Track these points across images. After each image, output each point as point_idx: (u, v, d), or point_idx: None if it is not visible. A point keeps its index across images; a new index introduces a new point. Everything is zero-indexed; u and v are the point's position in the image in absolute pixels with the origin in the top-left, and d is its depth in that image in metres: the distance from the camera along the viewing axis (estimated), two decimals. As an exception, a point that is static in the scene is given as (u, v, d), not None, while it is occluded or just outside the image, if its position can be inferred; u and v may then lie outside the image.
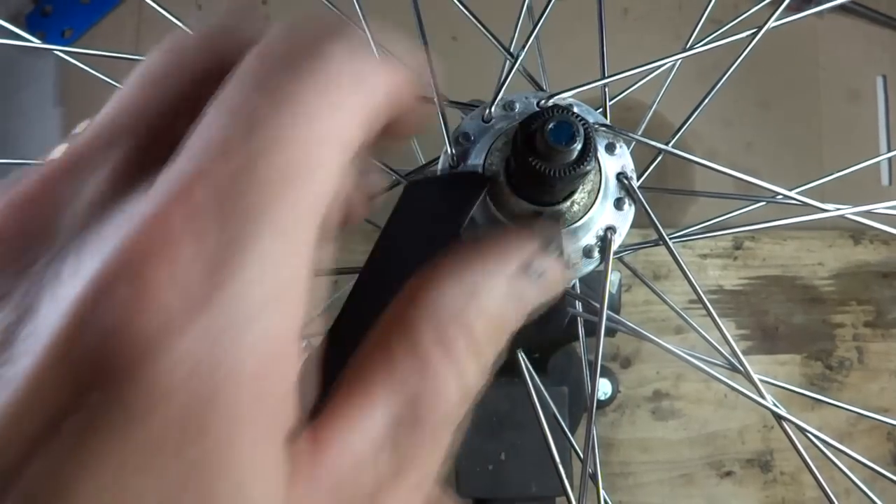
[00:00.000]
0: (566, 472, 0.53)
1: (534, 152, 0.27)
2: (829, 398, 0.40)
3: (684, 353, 0.34)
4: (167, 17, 0.39)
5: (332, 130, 0.17)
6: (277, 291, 0.16)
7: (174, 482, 0.14)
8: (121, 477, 0.14)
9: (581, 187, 0.32)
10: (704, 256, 0.71)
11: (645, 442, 0.70)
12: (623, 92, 0.44)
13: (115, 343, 0.14)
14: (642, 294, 0.67)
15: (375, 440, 0.17)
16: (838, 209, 0.33)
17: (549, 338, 0.51)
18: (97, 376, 0.14)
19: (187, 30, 0.40)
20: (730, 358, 0.33)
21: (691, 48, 0.38)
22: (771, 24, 0.37)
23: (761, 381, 0.33)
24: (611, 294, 0.53)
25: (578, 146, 0.27)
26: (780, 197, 0.34)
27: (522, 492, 0.51)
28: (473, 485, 0.52)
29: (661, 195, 0.37)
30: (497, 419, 0.50)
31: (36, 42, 0.40)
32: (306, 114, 0.16)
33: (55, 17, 0.80)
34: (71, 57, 0.40)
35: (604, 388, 0.67)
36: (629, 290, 0.68)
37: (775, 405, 0.32)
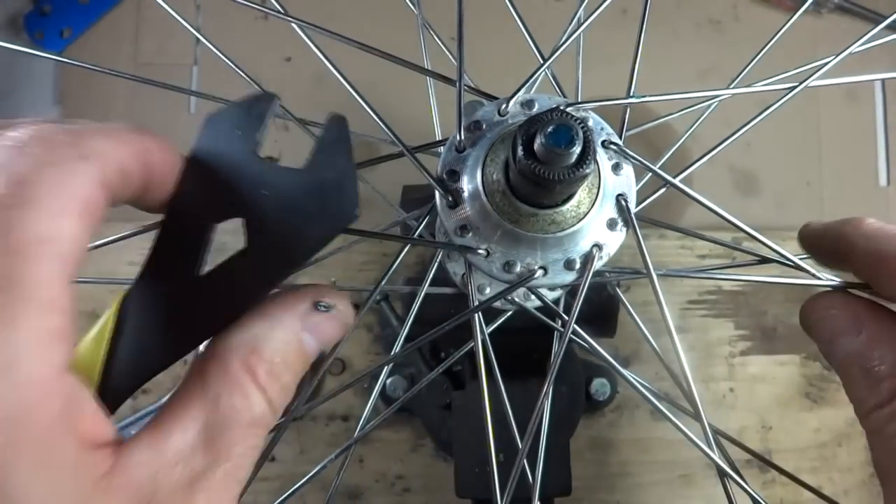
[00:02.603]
0: (566, 473, 0.53)
1: (533, 155, 0.27)
2: (774, 463, 0.39)
3: (648, 390, 0.34)
4: (165, 18, 0.39)
5: (65, 202, 0.21)
6: (26, 347, 0.19)
7: None
8: None
9: (578, 193, 0.32)
10: (703, 257, 0.71)
11: (644, 442, 0.70)
12: (652, 121, 0.44)
13: None
14: (642, 294, 0.67)
15: (188, 442, 0.23)
16: (832, 279, 0.33)
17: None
18: None
19: (189, 27, 0.40)
20: (690, 407, 0.33)
21: (736, 86, 0.38)
22: (811, 82, 0.37)
23: (715, 431, 0.33)
24: (610, 296, 0.53)
25: (577, 149, 0.27)
26: (782, 258, 0.34)
27: (522, 492, 0.50)
28: (473, 485, 0.52)
29: (661, 195, 0.37)
30: (496, 420, 0.50)
31: (25, 49, 0.39)
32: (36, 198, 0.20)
33: (54, 17, 0.80)
34: (65, 59, 0.40)
35: (602, 388, 0.67)
36: (629, 291, 0.68)
37: (723, 460, 0.31)
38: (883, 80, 0.83)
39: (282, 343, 0.25)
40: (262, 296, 0.25)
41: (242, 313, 0.25)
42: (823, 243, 0.35)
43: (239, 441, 0.24)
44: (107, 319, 0.25)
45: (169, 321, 0.25)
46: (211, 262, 0.26)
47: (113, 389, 0.24)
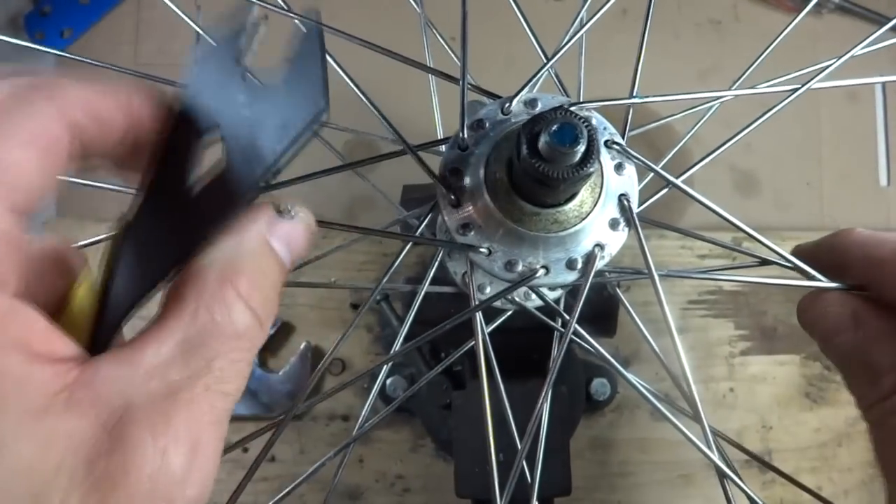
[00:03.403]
0: (566, 472, 0.53)
1: (537, 153, 0.27)
2: (775, 468, 0.40)
3: (649, 392, 0.34)
4: (165, 19, 0.39)
5: (21, 134, 0.21)
6: None
7: None
8: None
9: (581, 192, 0.32)
10: (703, 257, 0.71)
11: (644, 442, 0.70)
12: (654, 122, 0.44)
13: None
14: (642, 294, 0.67)
15: (163, 355, 0.22)
16: (832, 281, 0.33)
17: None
18: None
19: (192, 24, 0.40)
20: (689, 408, 0.33)
21: (738, 87, 0.38)
22: (812, 84, 0.37)
23: (714, 432, 0.33)
24: (610, 296, 0.53)
25: (581, 148, 0.27)
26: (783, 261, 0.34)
27: (521, 492, 0.50)
28: (473, 485, 0.52)
29: (662, 196, 0.37)
30: (496, 420, 0.50)
31: (31, 45, 0.39)
32: None
33: (54, 17, 0.80)
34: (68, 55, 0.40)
35: (602, 388, 0.67)
36: (629, 291, 0.68)
37: (722, 461, 0.31)
38: (884, 83, 0.83)
39: (255, 254, 0.25)
40: (239, 211, 0.25)
41: (219, 232, 0.25)
42: (818, 259, 0.35)
43: (221, 354, 0.23)
44: (101, 259, 0.25)
45: (156, 246, 0.25)
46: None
47: (109, 320, 0.24)
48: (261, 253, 0.25)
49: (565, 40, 0.38)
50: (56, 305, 0.24)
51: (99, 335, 0.24)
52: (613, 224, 0.33)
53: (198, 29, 0.41)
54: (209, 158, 0.26)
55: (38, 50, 0.41)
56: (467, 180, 0.33)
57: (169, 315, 0.23)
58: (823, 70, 0.37)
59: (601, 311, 0.56)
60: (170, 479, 0.20)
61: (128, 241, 0.25)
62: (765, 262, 0.36)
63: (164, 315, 0.23)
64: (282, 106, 0.24)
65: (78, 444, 0.19)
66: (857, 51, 0.39)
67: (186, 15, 0.42)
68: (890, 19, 0.42)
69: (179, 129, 0.26)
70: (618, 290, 0.39)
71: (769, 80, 0.40)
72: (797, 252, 0.37)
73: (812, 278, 0.34)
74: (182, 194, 0.25)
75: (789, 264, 0.34)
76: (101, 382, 0.20)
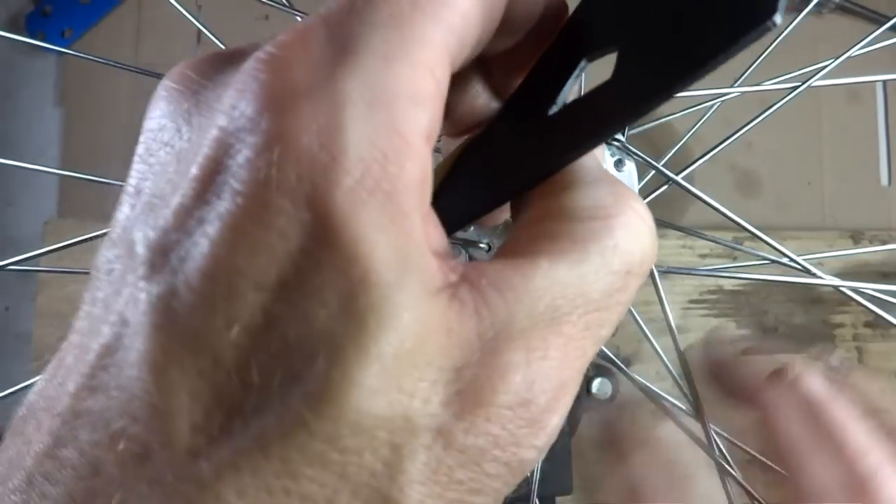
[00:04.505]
0: (566, 473, 0.53)
1: None
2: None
3: (651, 389, 0.34)
4: (165, 18, 0.39)
5: None
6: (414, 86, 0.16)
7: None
8: None
9: None
10: (704, 256, 0.71)
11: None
12: (654, 120, 0.44)
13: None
14: (642, 294, 0.67)
15: (558, 279, 0.18)
16: (833, 280, 0.33)
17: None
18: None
19: (196, 23, 0.40)
20: (689, 407, 0.33)
21: (739, 85, 0.38)
22: (813, 82, 0.37)
23: (716, 432, 0.33)
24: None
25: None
26: (784, 259, 0.34)
27: (522, 491, 0.50)
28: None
29: (661, 193, 0.37)
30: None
31: (34, 42, 0.40)
32: None
33: (55, 17, 0.80)
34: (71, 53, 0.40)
35: (603, 388, 0.67)
36: (629, 291, 0.68)
37: (724, 459, 0.31)
38: (885, 81, 0.83)
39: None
40: (618, 127, 0.20)
41: (583, 153, 0.20)
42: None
43: (630, 288, 0.20)
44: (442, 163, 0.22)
45: (500, 166, 0.22)
46: None
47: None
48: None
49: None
50: None
51: None
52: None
53: (200, 27, 0.41)
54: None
55: (41, 48, 0.41)
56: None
57: (558, 241, 0.19)
58: (824, 68, 0.37)
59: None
60: (530, 416, 0.17)
61: (471, 156, 0.22)
62: (766, 260, 0.36)
63: (552, 235, 0.19)
64: (709, 12, 0.19)
65: (453, 345, 0.16)
66: (857, 50, 0.39)
67: (187, 14, 0.42)
68: (890, 18, 0.42)
69: (564, 42, 0.22)
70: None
71: (770, 79, 0.40)
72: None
73: (813, 276, 0.34)
74: (542, 113, 0.21)
75: (791, 261, 0.34)
76: (489, 289, 0.17)
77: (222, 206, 0.15)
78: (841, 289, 0.34)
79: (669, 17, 0.19)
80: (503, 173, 0.22)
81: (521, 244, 0.19)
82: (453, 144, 0.24)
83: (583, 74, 0.21)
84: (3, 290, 0.79)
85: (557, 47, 0.22)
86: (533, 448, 0.17)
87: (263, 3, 0.37)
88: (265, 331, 0.15)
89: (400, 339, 0.15)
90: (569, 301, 0.18)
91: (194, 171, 0.16)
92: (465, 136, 0.24)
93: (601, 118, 0.20)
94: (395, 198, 0.16)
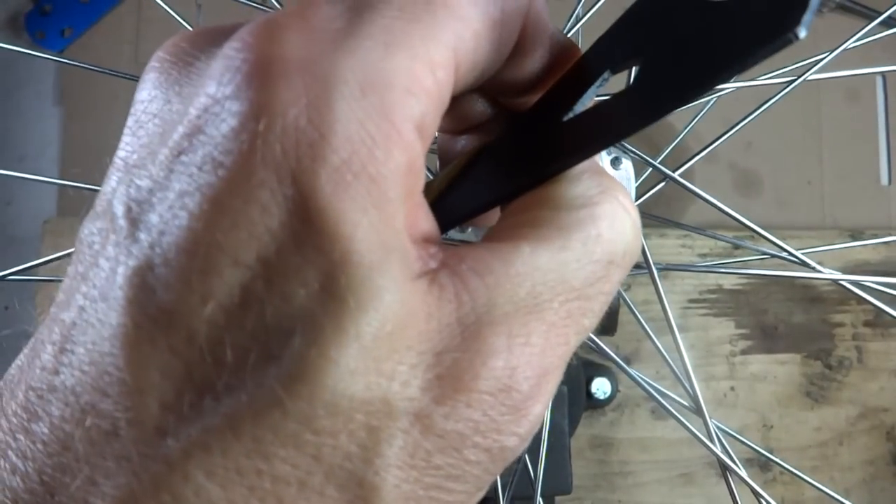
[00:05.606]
0: (565, 472, 0.53)
1: None
2: (778, 460, 0.39)
3: (650, 385, 0.34)
4: (166, 18, 0.39)
5: None
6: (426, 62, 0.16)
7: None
8: None
9: None
10: (704, 256, 0.71)
11: (644, 441, 0.70)
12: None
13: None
14: (642, 293, 0.67)
15: (539, 266, 0.18)
16: (833, 273, 0.33)
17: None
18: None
19: (188, 28, 0.40)
20: (691, 402, 0.33)
21: (734, 80, 0.38)
22: (809, 75, 0.37)
23: (717, 427, 0.33)
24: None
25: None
26: (784, 254, 0.34)
27: (522, 491, 0.51)
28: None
29: (660, 194, 0.37)
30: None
31: (26, 50, 0.40)
32: None
33: (54, 16, 0.80)
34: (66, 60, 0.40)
35: (603, 387, 0.67)
36: (629, 290, 0.68)
37: (725, 453, 0.31)
38: (884, 78, 0.83)
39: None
40: (630, 131, 0.20)
41: (591, 155, 0.20)
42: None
43: (594, 284, 0.19)
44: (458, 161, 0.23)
45: (506, 165, 0.22)
46: None
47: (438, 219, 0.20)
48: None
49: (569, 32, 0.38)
50: None
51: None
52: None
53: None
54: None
55: (38, 48, 0.41)
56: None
57: (541, 228, 0.19)
58: (820, 61, 0.38)
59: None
60: (512, 403, 0.17)
61: (482, 157, 0.22)
62: (766, 256, 0.36)
63: (535, 223, 0.19)
64: (730, 21, 0.18)
65: (433, 330, 0.16)
66: (852, 43, 0.39)
67: (186, 16, 0.42)
68: (891, 19, 0.42)
69: (590, 54, 0.22)
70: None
71: (766, 73, 0.40)
72: None
73: (815, 271, 0.34)
74: (557, 119, 0.22)
75: (791, 257, 0.34)
76: (469, 273, 0.17)
77: (203, 177, 0.15)
78: (841, 282, 0.34)
79: (693, 31, 0.19)
80: (508, 172, 0.22)
81: (504, 231, 0.19)
82: (451, 144, 0.24)
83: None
84: (3, 290, 0.79)
85: (584, 59, 0.22)
86: (514, 435, 0.17)
87: (257, 7, 0.37)
88: (242, 308, 0.15)
89: (380, 321, 0.15)
90: (549, 288, 0.18)
91: (176, 138, 0.15)
92: (468, 136, 0.24)
93: (614, 123, 0.20)
94: (379, 183, 0.15)
